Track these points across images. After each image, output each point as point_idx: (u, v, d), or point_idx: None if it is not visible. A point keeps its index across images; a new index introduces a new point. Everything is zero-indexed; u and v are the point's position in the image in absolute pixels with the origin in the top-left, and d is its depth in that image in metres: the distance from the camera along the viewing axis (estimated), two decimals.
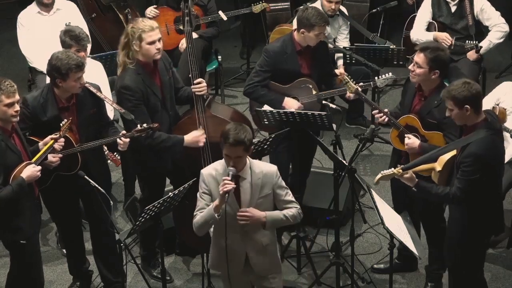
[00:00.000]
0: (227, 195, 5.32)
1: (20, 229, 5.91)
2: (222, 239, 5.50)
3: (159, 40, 6.31)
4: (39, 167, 5.83)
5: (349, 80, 6.74)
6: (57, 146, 5.96)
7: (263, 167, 5.52)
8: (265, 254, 5.62)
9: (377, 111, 6.45)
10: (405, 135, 6.28)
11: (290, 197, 5.58)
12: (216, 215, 5.37)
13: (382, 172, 5.76)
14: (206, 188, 5.50)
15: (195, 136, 6.45)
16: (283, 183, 5.57)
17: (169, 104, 6.53)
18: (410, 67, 6.24)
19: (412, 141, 6.24)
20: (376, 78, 7.35)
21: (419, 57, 6.19)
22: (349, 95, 6.85)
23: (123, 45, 6.37)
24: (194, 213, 5.53)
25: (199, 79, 6.54)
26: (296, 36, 6.95)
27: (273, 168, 5.54)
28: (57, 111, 6.12)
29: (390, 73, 7.33)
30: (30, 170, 5.78)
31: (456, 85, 5.59)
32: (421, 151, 6.21)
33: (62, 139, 5.98)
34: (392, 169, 5.73)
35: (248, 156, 5.49)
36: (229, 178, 5.32)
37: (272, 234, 5.65)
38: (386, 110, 6.46)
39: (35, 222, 6.08)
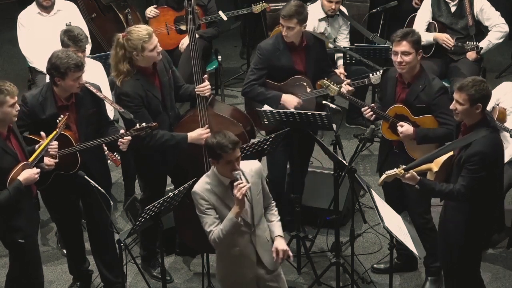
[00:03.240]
0: (246, 196, 5.33)
1: (19, 228, 5.91)
2: (231, 248, 5.50)
3: (157, 44, 6.32)
4: (38, 170, 5.82)
5: (329, 83, 6.75)
6: (51, 151, 5.95)
7: (250, 165, 5.56)
8: (270, 249, 5.63)
9: (364, 107, 6.48)
10: (397, 124, 6.30)
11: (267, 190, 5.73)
12: (239, 220, 5.37)
13: (386, 173, 5.76)
14: (207, 203, 5.46)
15: (200, 134, 6.45)
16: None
17: (169, 105, 6.53)
18: (397, 59, 6.22)
19: (405, 128, 6.28)
20: (370, 75, 7.35)
21: (403, 45, 6.20)
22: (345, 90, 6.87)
23: (120, 58, 6.29)
24: (208, 230, 5.46)
25: (205, 83, 6.55)
26: None
27: (257, 163, 5.65)
28: (56, 110, 6.12)
29: None
30: (28, 173, 5.77)
31: (474, 81, 5.57)
32: (416, 136, 6.24)
33: (55, 143, 5.96)
34: (395, 169, 5.73)
35: None
36: (241, 180, 5.33)
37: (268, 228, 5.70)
38: (372, 105, 6.49)
39: (33, 221, 6.08)
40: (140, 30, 6.28)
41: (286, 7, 6.85)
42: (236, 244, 5.49)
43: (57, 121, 5.98)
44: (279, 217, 5.71)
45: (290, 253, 5.59)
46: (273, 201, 5.75)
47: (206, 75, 6.60)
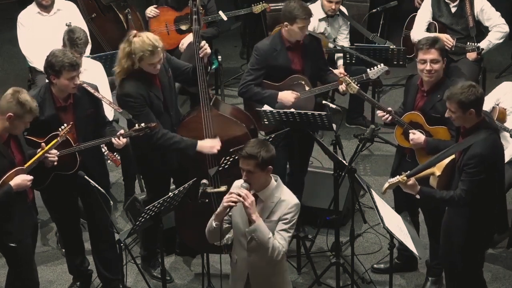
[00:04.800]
0: (228, 209, 5.21)
1: (10, 232, 5.90)
2: (232, 252, 5.48)
3: (159, 61, 6.27)
4: (31, 177, 5.81)
5: (350, 81, 6.73)
6: (50, 158, 5.94)
7: (284, 196, 5.28)
8: (266, 284, 5.42)
9: (380, 110, 6.46)
10: (410, 131, 6.28)
11: (284, 233, 5.23)
12: (214, 223, 5.29)
13: (388, 181, 5.76)
14: None
15: (212, 146, 6.39)
16: (288, 219, 5.24)
17: (169, 105, 6.52)
18: (427, 67, 6.15)
19: (417, 136, 6.25)
20: (368, 70, 7.34)
21: (432, 53, 6.15)
22: (343, 90, 6.86)
23: (125, 54, 6.28)
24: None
25: (203, 42, 6.51)
26: (284, 33, 6.98)
27: (292, 201, 5.26)
28: (55, 111, 6.12)
29: (382, 64, 7.33)
30: (20, 179, 5.76)
31: (462, 88, 5.54)
32: (426, 146, 6.21)
33: (55, 151, 5.96)
34: (398, 177, 5.70)
35: (279, 181, 5.30)
36: (237, 192, 5.18)
37: (280, 272, 5.40)
38: (389, 108, 6.45)
39: (26, 226, 6.05)
40: (147, 42, 6.20)
41: (306, 9, 6.88)
42: (235, 251, 5.45)
43: (60, 129, 5.99)
44: (277, 242, 5.20)
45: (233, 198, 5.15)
46: (283, 243, 5.26)
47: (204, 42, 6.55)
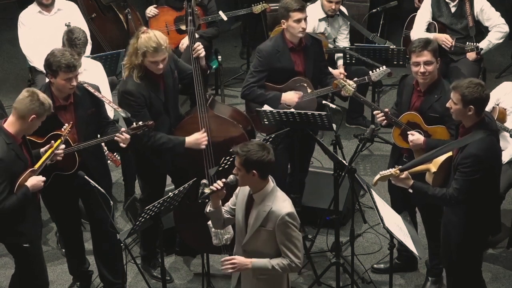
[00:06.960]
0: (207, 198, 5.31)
1: (24, 233, 5.92)
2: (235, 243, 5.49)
3: (163, 60, 6.25)
4: (44, 178, 5.84)
5: (345, 83, 6.72)
6: (59, 152, 5.95)
7: (275, 205, 5.17)
8: (256, 283, 5.38)
9: (377, 111, 6.45)
10: (408, 132, 6.27)
11: (291, 246, 5.19)
12: (207, 209, 5.40)
13: (380, 173, 5.76)
14: (234, 198, 5.41)
15: (197, 138, 6.43)
16: (289, 230, 5.15)
17: (171, 106, 6.51)
18: (420, 69, 6.16)
19: (416, 137, 6.24)
20: (370, 72, 7.33)
21: (426, 55, 6.15)
22: (343, 92, 6.87)
23: (134, 50, 6.27)
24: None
25: (197, 43, 6.51)
26: (286, 33, 6.98)
27: (284, 210, 5.15)
28: (54, 110, 6.12)
29: (384, 67, 7.32)
30: (35, 180, 5.79)
31: (470, 83, 5.54)
32: (426, 146, 6.20)
33: (63, 146, 5.98)
34: (390, 169, 5.72)
35: (274, 187, 5.22)
36: (223, 180, 5.24)
37: (272, 275, 5.32)
38: (386, 110, 6.45)
39: (37, 226, 6.10)
40: (153, 39, 6.21)
41: (295, 1, 6.87)
42: (237, 241, 5.47)
43: (62, 129, 6.00)
44: (281, 263, 5.21)
45: (229, 268, 5.28)
46: (286, 259, 5.22)
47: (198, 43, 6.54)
